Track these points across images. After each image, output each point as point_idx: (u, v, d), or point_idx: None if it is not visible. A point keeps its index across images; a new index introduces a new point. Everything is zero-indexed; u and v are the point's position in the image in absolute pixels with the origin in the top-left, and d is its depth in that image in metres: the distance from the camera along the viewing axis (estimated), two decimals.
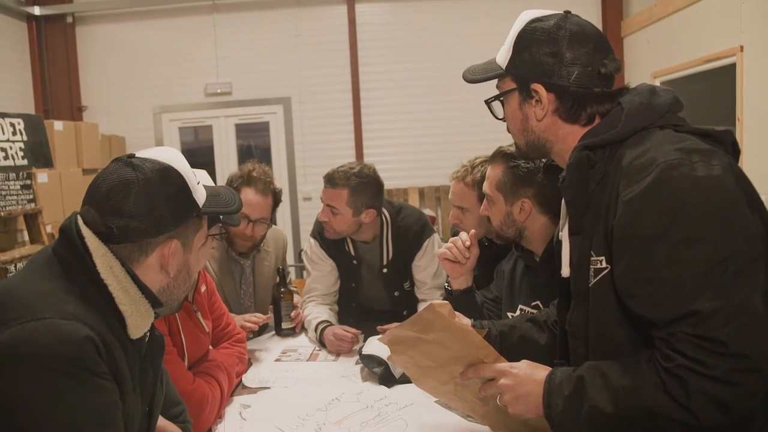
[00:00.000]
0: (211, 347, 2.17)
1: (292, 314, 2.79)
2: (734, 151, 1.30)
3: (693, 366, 1.11)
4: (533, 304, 2.05)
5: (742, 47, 4.45)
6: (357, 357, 2.38)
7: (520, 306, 2.10)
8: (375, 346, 2.19)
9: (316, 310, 2.77)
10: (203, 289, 2.18)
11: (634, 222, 1.18)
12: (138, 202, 1.24)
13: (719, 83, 4.81)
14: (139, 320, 1.28)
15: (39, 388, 1.07)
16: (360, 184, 2.64)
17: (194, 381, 1.88)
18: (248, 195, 2.61)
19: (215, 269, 2.71)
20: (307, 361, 2.50)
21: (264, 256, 2.92)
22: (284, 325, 2.78)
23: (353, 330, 2.56)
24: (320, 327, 2.63)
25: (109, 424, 1.15)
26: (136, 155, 1.32)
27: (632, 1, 6.66)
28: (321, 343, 2.61)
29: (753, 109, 4.41)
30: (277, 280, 2.82)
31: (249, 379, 2.28)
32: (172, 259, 1.31)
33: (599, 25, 6.51)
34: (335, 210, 2.65)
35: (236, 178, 2.67)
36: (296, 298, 2.87)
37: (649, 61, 5.98)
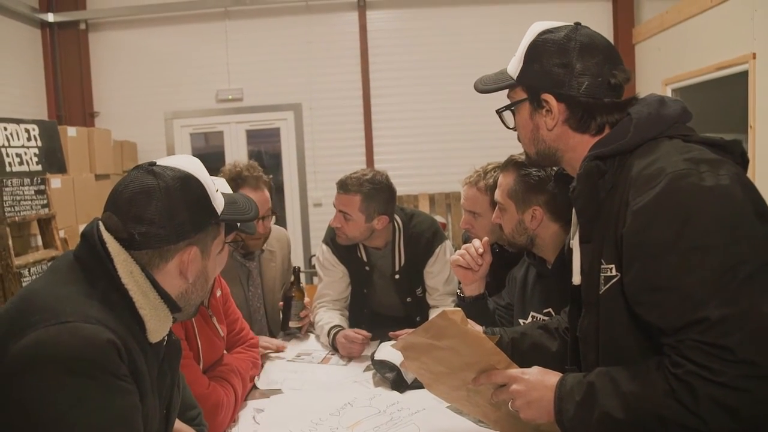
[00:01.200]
0: (225, 352, 2.20)
1: (302, 314, 2.81)
2: (743, 161, 1.31)
3: (701, 372, 1.12)
4: (545, 311, 2.07)
5: (754, 54, 4.44)
6: (368, 362, 2.40)
7: (531, 313, 2.11)
8: (387, 352, 2.21)
9: (327, 315, 2.79)
10: (219, 293, 2.21)
11: (643, 231, 1.20)
12: (159, 210, 1.27)
13: (731, 90, 4.80)
14: (158, 324, 1.31)
15: (62, 390, 1.10)
16: (373, 190, 2.66)
17: (209, 385, 1.91)
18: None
19: (221, 274, 2.72)
20: (319, 363, 2.53)
21: (269, 256, 2.93)
22: (292, 324, 2.81)
23: (363, 332, 2.58)
24: (333, 331, 2.66)
25: (131, 427, 1.18)
26: (157, 163, 1.35)
27: (644, 8, 6.66)
28: (334, 347, 2.64)
29: (766, 117, 4.40)
30: (292, 279, 2.85)
31: (260, 381, 2.32)
32: (192, 265, 1.34)
33: (610, 33, 6.54)
34: (348, 216, 2.68)
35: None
36: (306, 299, 2.90)
37: (661, 68, 5.98)
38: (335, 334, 2.63)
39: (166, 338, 1.39)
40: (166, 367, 1.40)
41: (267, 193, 2.70)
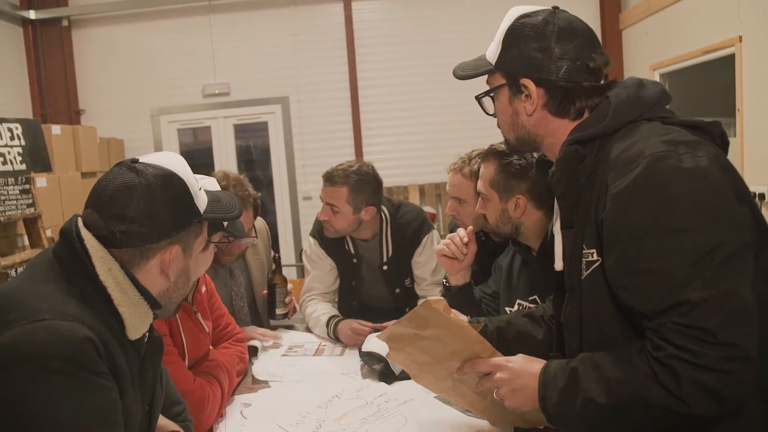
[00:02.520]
0: (211, 347, 2.18)
1: (287, 299, 2.80)
2: (722, 142, 1.31)
3: (682, 355, 1.12)
4: (531, 298, 2.06)
5: (741, 37, 4.44)
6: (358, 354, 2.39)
7: (517, 301, 2.11)
8: (374, 344, 2.20)
9: (320, 307, 2.79)
10: (203, 289, 2.19)
11: (623, 215, 1.20)
12: (140, 208, 1.26)
13: (718, 74, 4.81)
14: (137, 321, 1.29)
15: (40, 388, 1.09)
16: (359, 182, 2.65)
17: (195, 381, 1.89)
18: None
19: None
20: (313, 355, 2.53)
21: (253, 250, 2.91)
22: (278, 311, 2.80)
23: (369, 324, 2.57)
24: (332, 321, 2.65)
25: (110, 423, 1.17)
26: (140, 160, 1.33)
27: None
28: (335, 337, 2.63)
29: (753, 100, 4.40)
30: (273, 267, 2.85)
31: (258, 371, 2.32)
32: (173, 263, 1.33)
33: (597, 18, 6.53)
34: (335, 208, 2.66)
35: None
36: (289, 286, 2.88)
37: (648, 53, 5.97)
38: (336, 324, 2.63)
39: (147, 334, 1.37)
40: (147, 364, 1.39)
41: (250, 213, 2.61)
